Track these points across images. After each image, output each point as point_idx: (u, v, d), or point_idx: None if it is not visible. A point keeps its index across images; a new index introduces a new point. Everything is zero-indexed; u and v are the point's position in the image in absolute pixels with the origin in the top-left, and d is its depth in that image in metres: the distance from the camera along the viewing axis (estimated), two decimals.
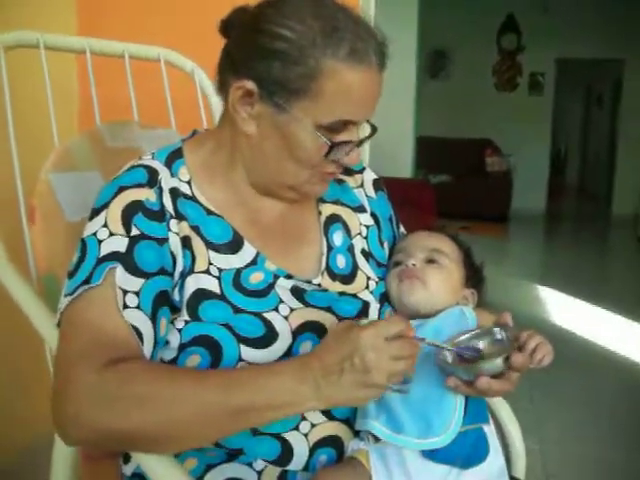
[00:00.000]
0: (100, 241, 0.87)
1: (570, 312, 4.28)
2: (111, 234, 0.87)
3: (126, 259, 0.86)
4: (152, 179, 0.92)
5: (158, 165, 0.95)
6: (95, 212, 0.90)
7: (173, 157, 0.97)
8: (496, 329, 0.91)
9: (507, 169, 8.06)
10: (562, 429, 2.67)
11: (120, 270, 0.85)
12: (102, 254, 0.86)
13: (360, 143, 0.92)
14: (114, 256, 0.86)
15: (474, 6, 8.10)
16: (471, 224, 7.16)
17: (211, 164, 0.97)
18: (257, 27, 0.88)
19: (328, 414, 0.92)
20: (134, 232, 0.88)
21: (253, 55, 0.87)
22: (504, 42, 8.56)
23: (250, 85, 0.88)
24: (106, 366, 0.79)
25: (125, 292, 0.84)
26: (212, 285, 0.90)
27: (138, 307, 0.84)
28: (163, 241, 0.89)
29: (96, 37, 1.33)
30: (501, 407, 1.16)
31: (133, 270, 0.86)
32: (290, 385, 0.80)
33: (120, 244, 0.87)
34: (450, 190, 7.29)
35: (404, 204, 1.75)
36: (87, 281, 0.85)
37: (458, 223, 7.00)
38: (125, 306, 0.84)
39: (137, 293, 0.85)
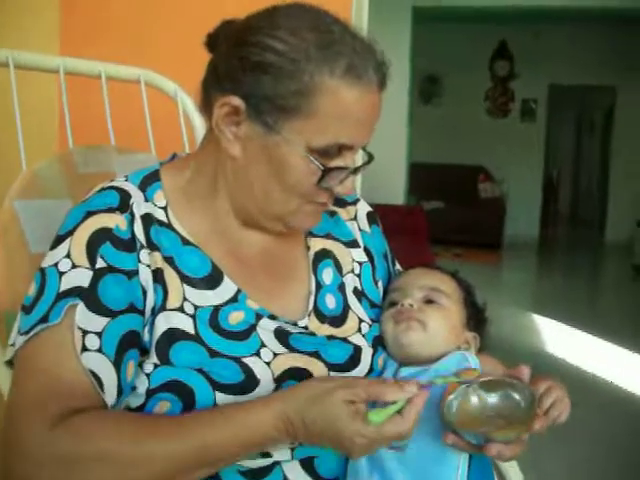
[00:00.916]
0: (62, 273, 0.78)
1: (564, 341, 4.22)
2: (74, 266, 0.79)
3: (89, 295, 0.77)
4: (123, 203, 0.84)
5: (131, 188, 0.86)
6: (58, 240, 0.82)
7: (148, 180, 0.89)
8: (515, 394, 0.81)
9: (500, 195, 8.05)
10: (561, 466, 2.57)
11: (81, 308, 0.77)
12: (62, 289, 0.78)
13: (355, 171, 0.84)
14: (76, 291, 0.77)
15: (467, 32, 8.13)
16: (464, 251, 7.13)
17: (191, 189, 0.89)
18: (246, 39, 0.80)
19: (314, 474, 0.84)
20: (99, 264, 0.79)
21: (240, 68, 0.79)
22: (496, 68, 8.60)
23: (236, 101, 0.80)
24: (61, 419, 0.71)
25: (85, 333, 0.76)
26: (185, 324, 0.81)
27: (100, 350, 0.76)
28: (132, 274, 0.80)
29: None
30: None
31: (96, 308, 0.77)
32: (271, 438, 0.75)
33: (83, 278, 0.78)
34: (443, 217, 7.28)
35: (396, 231, 1.69)
36: (44, 319, 0.76)
37: (451, 250, 6.98)
38: (84, 349, 0.75)
39: (99, 334, 0.76)
